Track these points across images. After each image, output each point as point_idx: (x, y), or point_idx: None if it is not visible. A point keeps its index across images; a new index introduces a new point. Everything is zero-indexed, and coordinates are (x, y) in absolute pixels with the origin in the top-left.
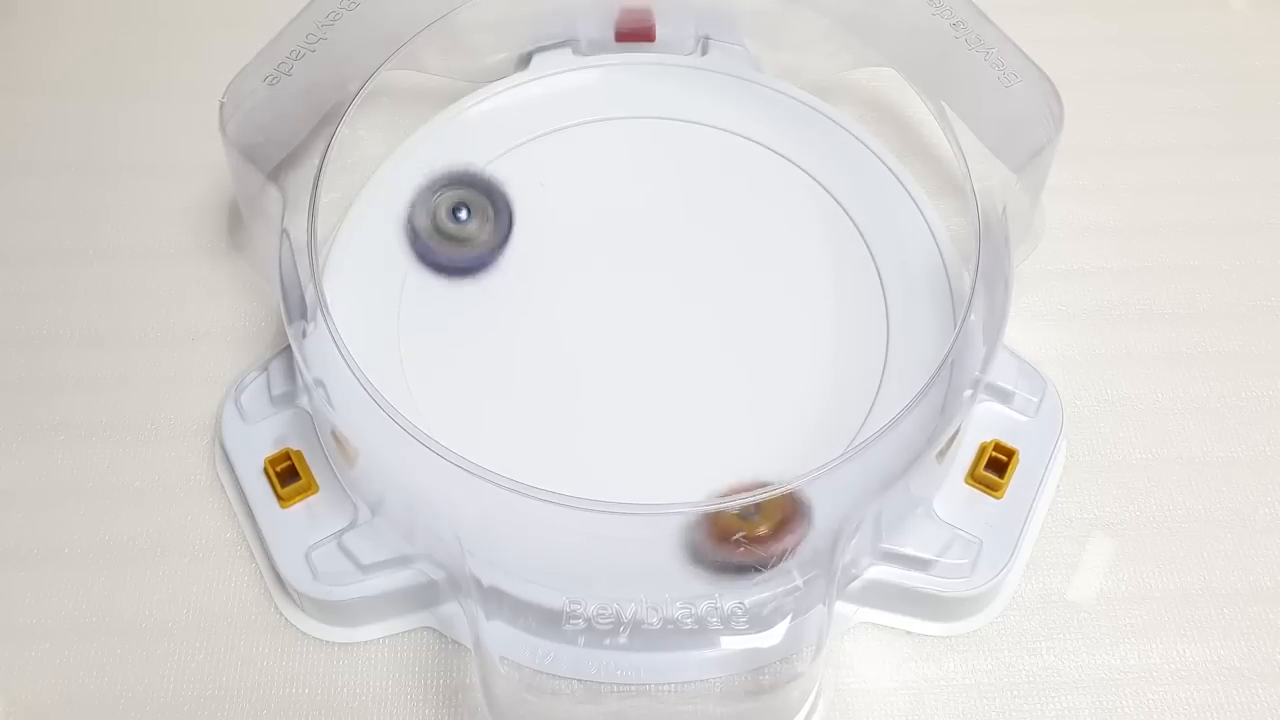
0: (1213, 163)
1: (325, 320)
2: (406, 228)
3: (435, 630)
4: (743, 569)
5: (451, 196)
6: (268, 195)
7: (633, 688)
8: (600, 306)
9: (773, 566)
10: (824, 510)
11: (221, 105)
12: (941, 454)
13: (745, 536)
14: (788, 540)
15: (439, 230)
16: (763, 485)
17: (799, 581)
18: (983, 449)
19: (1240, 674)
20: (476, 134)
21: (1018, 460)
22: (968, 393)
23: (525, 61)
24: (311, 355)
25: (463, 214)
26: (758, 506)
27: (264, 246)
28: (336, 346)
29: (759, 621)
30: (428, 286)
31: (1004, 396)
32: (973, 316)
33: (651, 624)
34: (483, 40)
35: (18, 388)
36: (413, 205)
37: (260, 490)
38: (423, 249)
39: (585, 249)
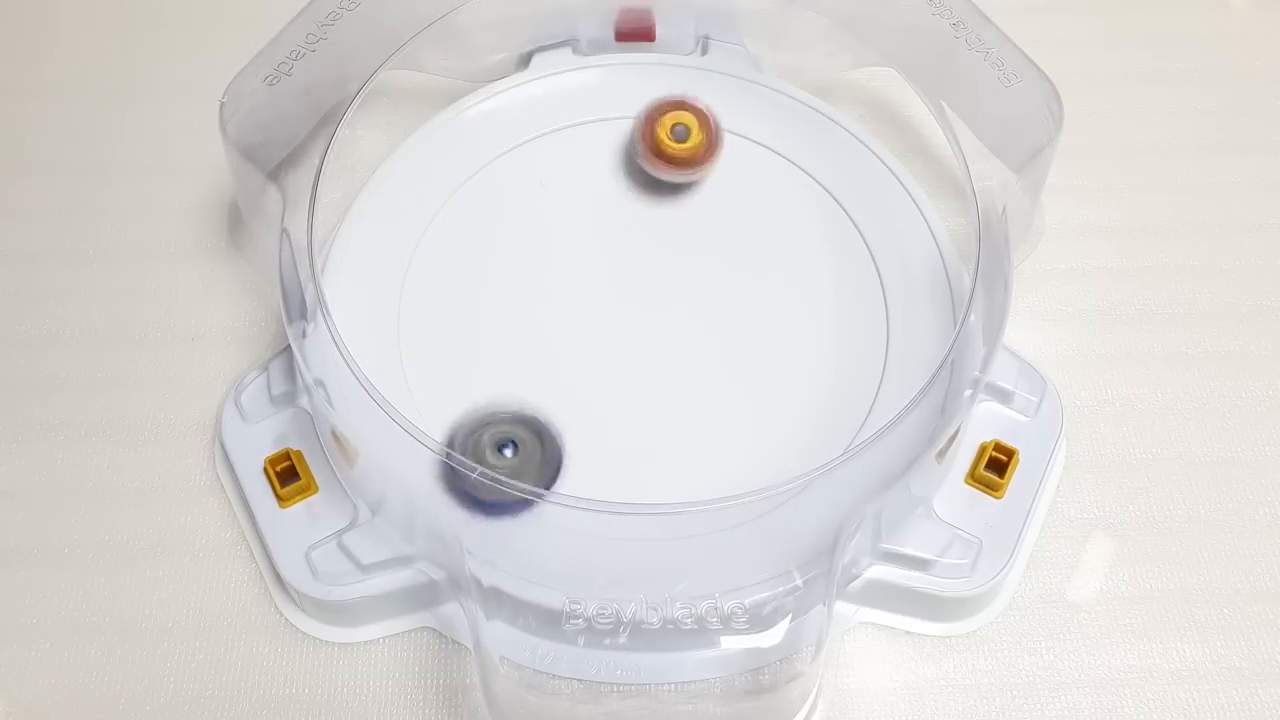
0: (1213, 163)
1: (325, 320)
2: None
3: (435, 630)
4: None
5: (497, 432)
6: (268, 195)
7: (633, 688)
8: (600, 306)
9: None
10: (824, 510)
11: (221, 105)
12: (941, 454)
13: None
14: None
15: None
16: None
17: (799, 581)
18: (983, 449)
19: (1240, 674)
20: (476, 134)
21: (1018, 460)
22: (968, 393)
23: (525, 61)
24: (311, 355)
25: (508, 450)
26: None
27: (264, 246)
28: (336, 346)
29: (759, 621)
30: (428, 286)
31: (1004, 396)
32: (973, 316)
33: (651, 624)
34: (483, 40)
35: (18, 388)
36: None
37: (260, 490)
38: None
39: (585, 249)
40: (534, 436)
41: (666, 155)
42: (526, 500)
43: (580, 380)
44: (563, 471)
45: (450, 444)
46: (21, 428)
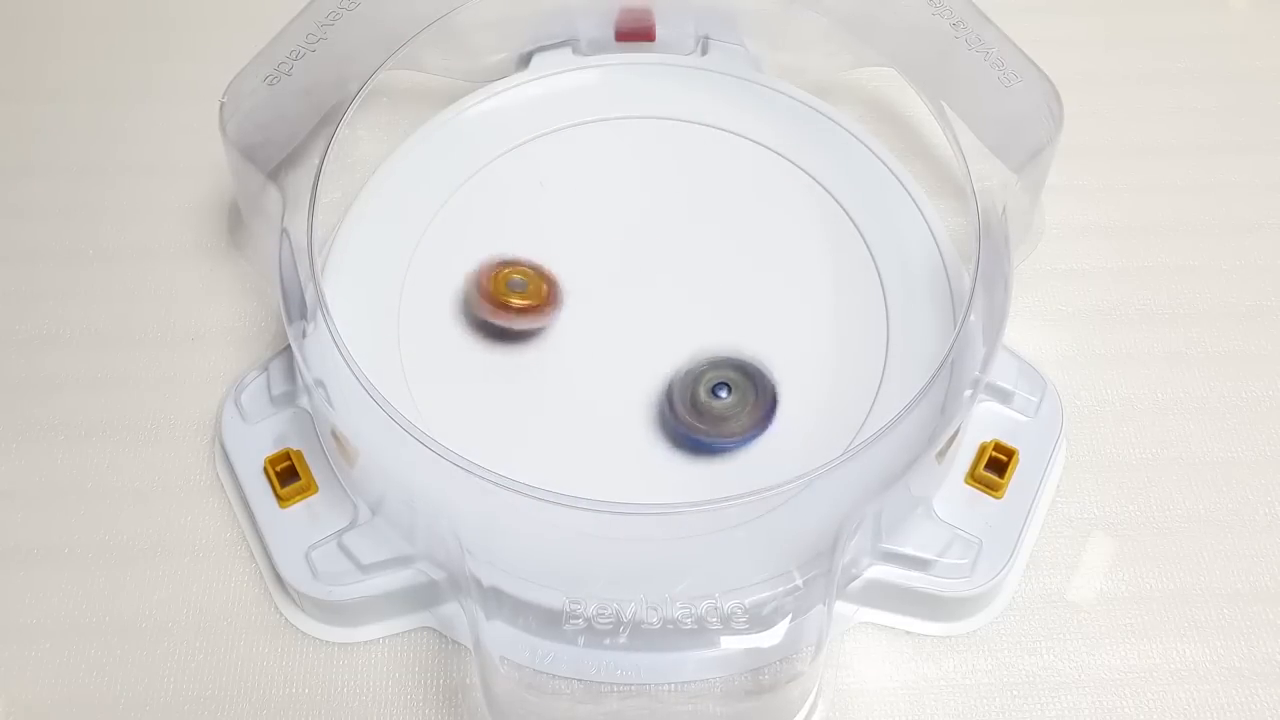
0: (1213, 163)
1: (325, 320)
2: (664, 402)
3: (435, 630)
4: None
5: (714, 375)
6: (268, 195)
7: (633, 688)
8: (600, 306)
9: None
10: (824, 510)
11: (221, 105)
12: (941, 454)
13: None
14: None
15: (697, 407)
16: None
17: (799, 581)
18: (983, 449)
19: (1240, 674)
20: (476, 134)
21: (1018, 460)
22: (968, 393)
23: (525, 61)
24: (311, 355)
25: (723, 392)
26: (729, 388)
27: (264, 246)
28: (336, 346)
29: (759, 621)
30: (428, 286)
31: (1004, 396)
32: (973, 316)
33: (651, 624)
34: (483, 40)
35: (18, 388)
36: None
37: (260, 490)
38: (679, 426)
39: (585, 248)
40: (747, 379)
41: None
42: (740, 440)
43: (580, 379)
44: (777, 409)
45: (670, 388)
46: (21, 428)
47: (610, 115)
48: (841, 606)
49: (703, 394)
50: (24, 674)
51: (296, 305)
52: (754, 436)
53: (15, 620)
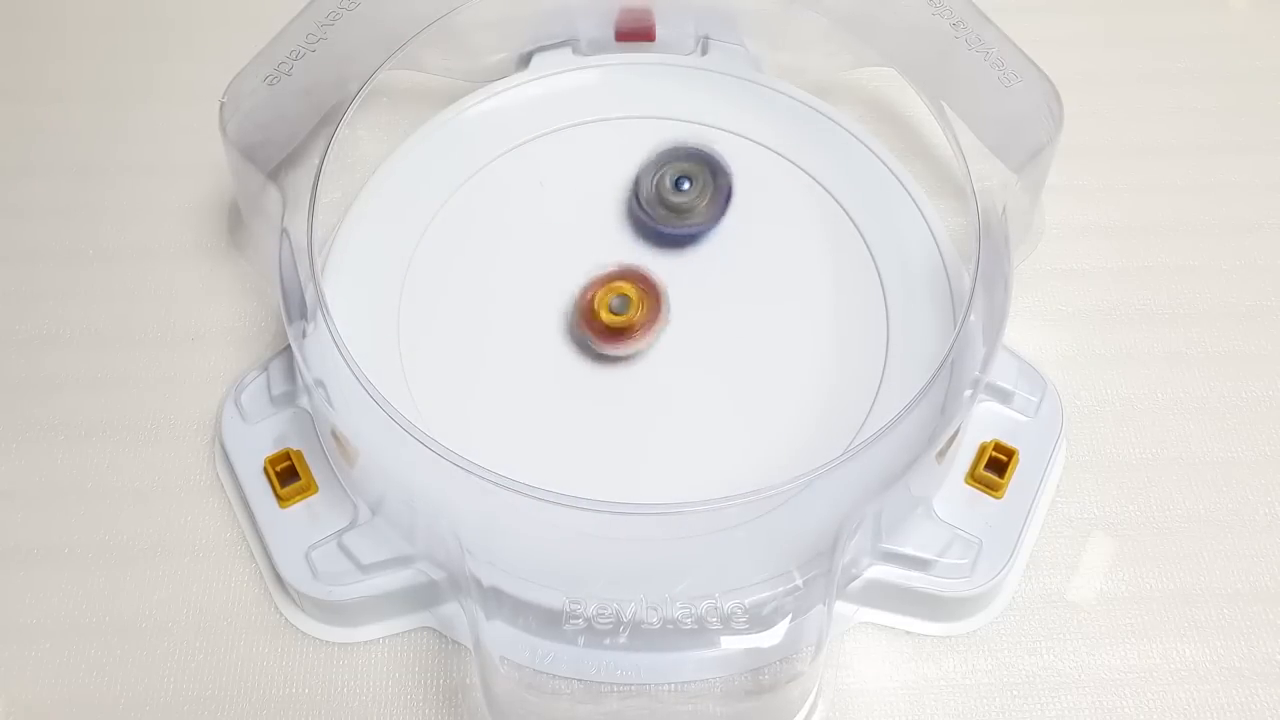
0: (1213, 163)
1: (325, 320)
2: (629, 197)
3: (435, 630)
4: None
5: (676, 169)
6: (268, 195)
7: (633, 688)
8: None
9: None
10: (824, 510)
11: (221, 105)
12: (941, 454)
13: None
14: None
15: (662, 201)
16: None
17: (799, 581)
18: (983, 449)
19: (1240, 674)
20: (476, 134)
21: (1018, 460)
22: (968, 393)
23: (525, 61)
24: (311, 355)
25: (685, 185)
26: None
27: (264, 246)
28: (336, 346)
29: (759, 621)
30: (428, 286)
31: (1004, 396)
32: (973, 316)
33: (651, 624)
34: (483, 40)
35: (18, 388)
36: (638, 177)
37: (260, 490)
38: (643, 217)
39: (585, 248)
40: (707, 171)
41: (603, 326)
42: (698, 231)
43: (580, 379)
44: (731, 201)
45: (637, 182)
46: (21, 428)
47: (610, 115)
48: (841, 606)
49: (667, 186)
50: (24, 674)
51: (296, 305)
52: (711, 227)
53: (15, 620)
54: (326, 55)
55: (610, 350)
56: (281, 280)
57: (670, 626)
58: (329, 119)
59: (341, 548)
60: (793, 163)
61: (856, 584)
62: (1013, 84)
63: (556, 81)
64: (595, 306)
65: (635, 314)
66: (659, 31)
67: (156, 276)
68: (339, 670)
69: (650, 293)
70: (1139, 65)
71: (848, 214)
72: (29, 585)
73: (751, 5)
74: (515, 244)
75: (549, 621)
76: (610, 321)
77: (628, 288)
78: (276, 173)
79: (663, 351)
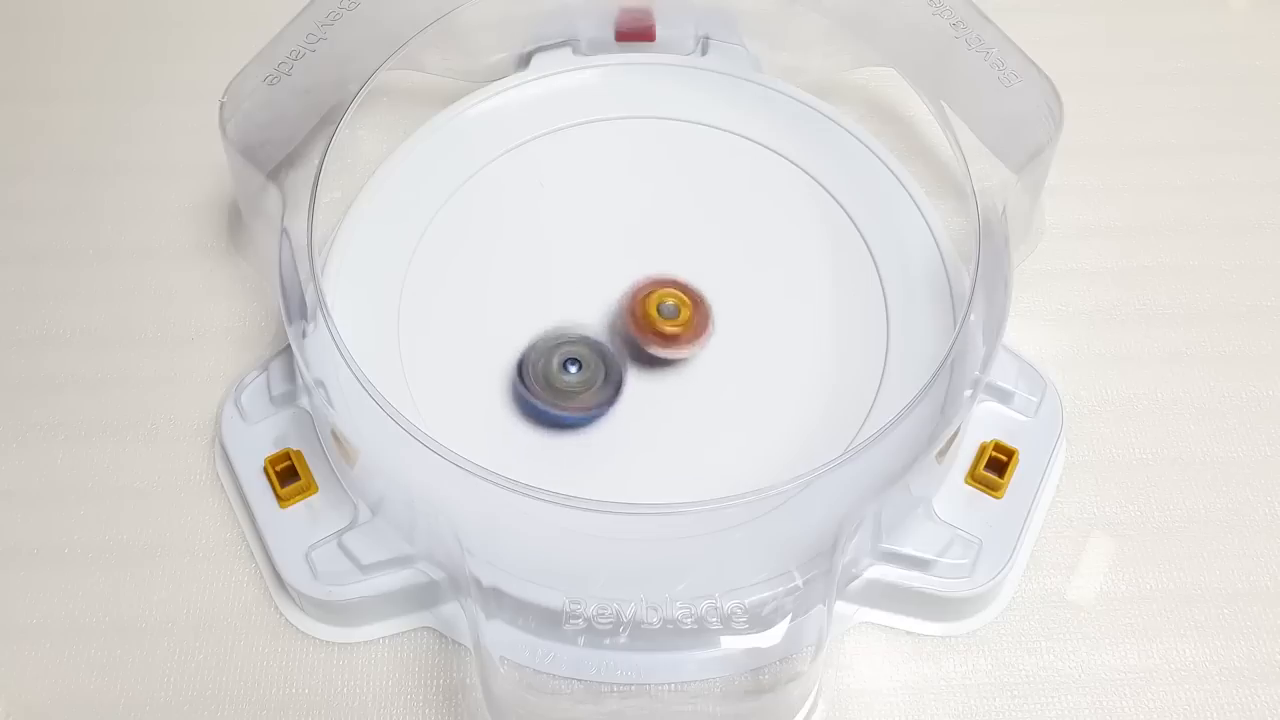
0: (1213, 163)
1: (325, 320)
2: (514, 374)
3: (435, 630)
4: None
5: (567, 350)
6: (268, 195)
7: (633, 688)
8: (600, 306)
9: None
10: (824, 510)
11: (221, 105)
12: (941, 454)
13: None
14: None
15: (549, 383)
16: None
17: (799, 581)
18: (983, 449)
19: (1240, 674)
20: (476, 134)
21: (1018, 460)
22: (968, 393)
23: (525, 61)
24: (311, 355)
25: (573, 368)
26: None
27: (264, 246)
28: (336, 346)
29: (759, 621)
30: (428, 286)
31: (1004, 396)
32: (973, 316)
33: (651, 624)
34: (483, 40)
35: (18, 388)
36: (525, 353)
37: (260, 490)
38: (527, 397)
39: (585, 249)
40: (597, 356)
41: (658, 331)
42: (587, 416)
43: None
44: (623, 390)
45: (522, 362)
46: (21, 428)
47: (610, 115)
48: (841, 606)
49: (555, 369)
50: (24, 674)
51: (296, 305)
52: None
53: (15, 620)
54: (326, 55)
55: (663, 354)
56: (281, 280)
57: (670, 626)
58: (329, 119)
59: (341, 548)
60: (793, 163)
61: (856, 584)
62: (1013, 84)
63: (556, 81)
64: (649, 310)
65: (686, 320)
66: (659, 31)
67: (156, 276)
68: (339, 670)
69: (699, 303)
70: (1139, 65)
71: (848, 214)
72: (29, 585)
73: (751, 5)
74: (515, 244)
75: (549, 621)
76: (663, 327)
77: (678, 295)
78: (276, 173)
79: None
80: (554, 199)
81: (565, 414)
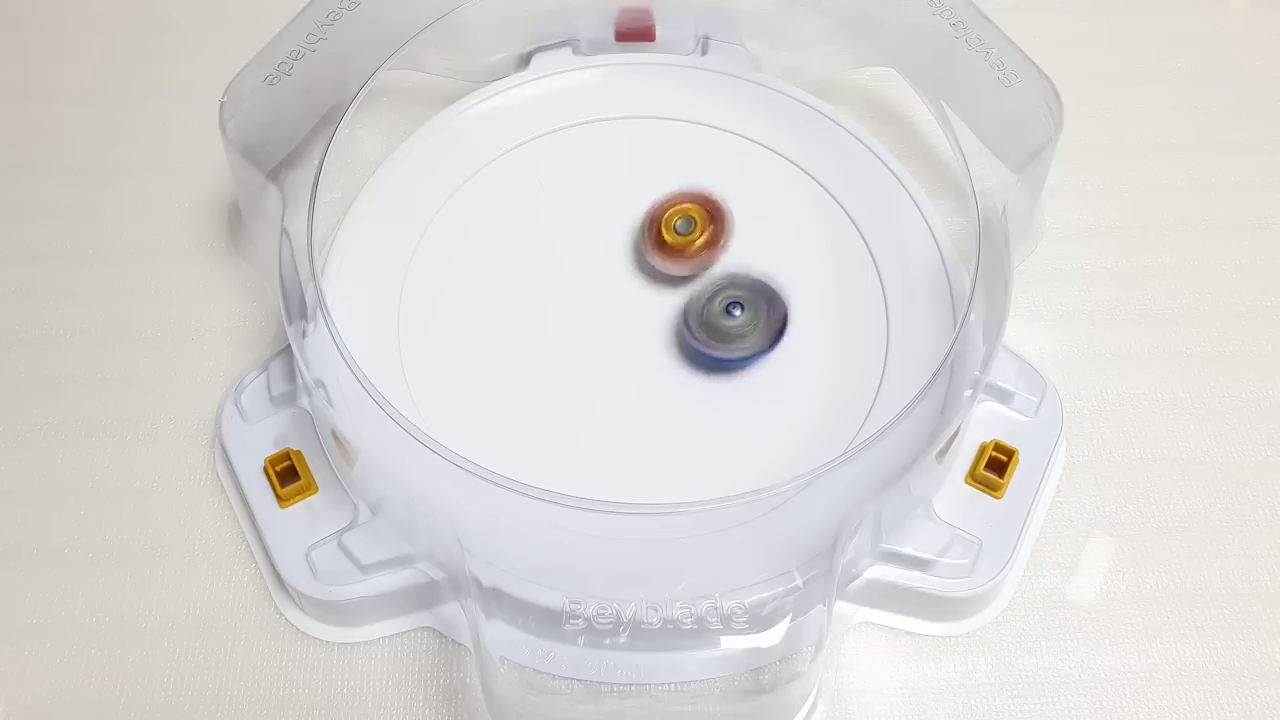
0: (1213, 163)
1: (325, 320)
2: (681, 320)
3: (435, 630)
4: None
5: (729, 295)
6: (268, 195)
7: (633, 687)
8: (600, 306)
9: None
10: (824, 510)
11: (221, 105)
12: (941, 454)
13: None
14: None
15: (710, 325)
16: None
17: (799, 581)
18: (983, 449)
19: (1240, 674)
20: (476, 134)
21: (1018, 460)
22: (968, 393)
23: (525, 61)
24: (311, 355)
25: (736, 310)
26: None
27: (264, 246)
28: (336, 346)
29: (759, 621)
30: (428, 286)
31: (1004, 396)
32: (973, 316)
33: (651, 624)
34: (483, 40)
35: (18, 388)
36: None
37: (260, 490)
38: (693, 342)
39: (585, 249)
40: (761, 299)
41: (669, 247)
42: (749, 357)
43: (579, 379)
44: (787, 330)
45: (687, 308)
46: (21, 428)
47: (610, 115)
48: (841, 606)
49: (719, 313)
50: (24, 674)
51: (296, 305)
52: (764, 353)
53: (15, 620)
54: (326, 55)
55: (672, 270)
56: (281, 280)
57: (670, 626)
58: (329, 119)
59: (341, 548)
60: (793, 163)
61: (856, 584)
62: (1013, 84)
63: (556, 81)
64: (662, 226)
65: (697, 235)
66: (659, 31)
67: (156, 276)
68: (339, 670)
69: (715, 215)
70: (1139, 65)
71: (848, 214)
72: (29, 585)
73: (751, 5)
74: (515, 244)
75: (549, 621)
76: (673, 241)
77: (692, 209)
78: (276, 173)
79: (663, 350)
80: (554, 199)
81: (731, 357)
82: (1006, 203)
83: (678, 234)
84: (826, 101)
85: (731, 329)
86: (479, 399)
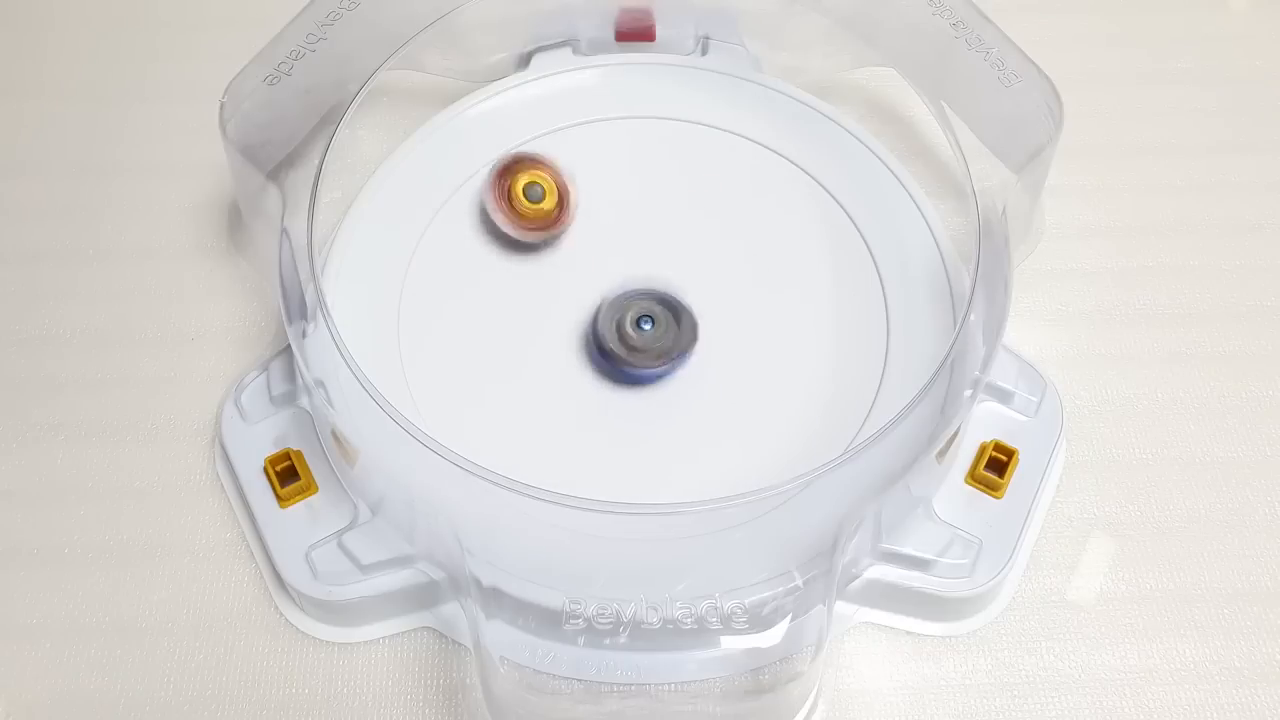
0: (1213, 163)
1: (325, 320)
2: (588, 333)
3: (435, 630)
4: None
5: (639, 307)
6: (268, 195)
7: (633, 688)
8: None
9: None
10: (824, 510)
11: (221, 105)
12: (941, 454)
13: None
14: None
15: (623, 339)
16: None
17: (799, 581)
18: (983, 449)
19: (1240, 674)
20: (476, 134)
21: (1018, 460)
22: (968, 393)
23: (525, 61)
24: (311, 355)
25: (647, 324)
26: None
27: (264, 246)
28: (336, 346)
29: (759, 621)
30: (428, 286)
31: (1004, 396)
32: (973, 316)
33: (651, 624)
34: (483, 40)
35: (18, 388)
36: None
37: (260, 490)
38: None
39: (585, 249)
40: (670, 313)
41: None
42: (660, 371)
43: (580, 379)
44: (697, 343)
45: (595, 318)
46: (21, 428)
47: (610, 115)
48: (841, 606)
49: (629, 325)
50: (24, 674)
51: (296, 305)
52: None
53: (15, 620)
54: (326, 55)
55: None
56: (281, 280)
57: (670, 626)
58: (329, 119)
59: (341, 548)
60: (793, 163)
61: (856, 584)
62: (1013, 84)
63: (556, 81)
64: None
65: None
66: (659, 31)
67: (156, 276)
68: (339, 670)
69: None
70: (1139, 65)
71: (848, 214)
72: (29, 585)
73: (751, 5)
74: (515, 244)
75: (549, 621)
76: (525, 210)
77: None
78: (276, 173)
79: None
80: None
81: (643, 370)
82: (1006, 203)
83: (528, 201)
84: (826, 101)
85: (641, 342)
86: (479, 399)
